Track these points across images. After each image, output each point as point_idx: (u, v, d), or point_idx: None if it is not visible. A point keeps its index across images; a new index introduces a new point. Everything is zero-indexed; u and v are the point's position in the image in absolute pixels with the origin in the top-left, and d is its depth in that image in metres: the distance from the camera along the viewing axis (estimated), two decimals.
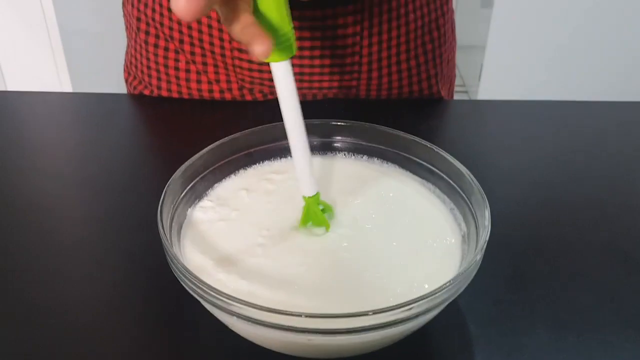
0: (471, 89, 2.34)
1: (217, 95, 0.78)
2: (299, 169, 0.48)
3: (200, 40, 0.74)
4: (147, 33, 0.77)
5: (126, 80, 0.86)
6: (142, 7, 0.76)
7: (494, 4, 1.97)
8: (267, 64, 0.76)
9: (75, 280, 0.52)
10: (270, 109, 0.77)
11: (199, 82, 0.78)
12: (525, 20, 1.99)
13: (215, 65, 0.76)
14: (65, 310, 0.49)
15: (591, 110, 0.80)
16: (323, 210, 0.50)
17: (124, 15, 0.83)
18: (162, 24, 0.75)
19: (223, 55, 0.74)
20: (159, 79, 0.79)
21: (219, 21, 0.71)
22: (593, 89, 2.08)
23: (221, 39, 0.73)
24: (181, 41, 0.75)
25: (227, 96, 0.78)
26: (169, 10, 0.73)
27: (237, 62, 0.74)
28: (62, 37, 1.81)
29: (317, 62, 0.73)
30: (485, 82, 2.16)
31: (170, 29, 0.75)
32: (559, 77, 2.10)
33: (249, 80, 0.76)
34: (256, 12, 0.42)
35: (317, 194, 0.49)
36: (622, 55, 2.03)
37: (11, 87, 1.89)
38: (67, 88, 1.90)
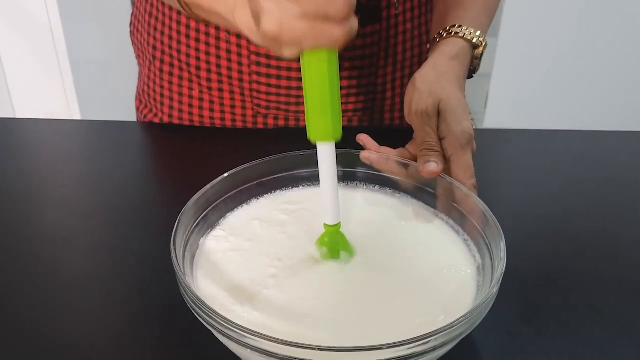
0: (477, 117, 2.35)
1: (228, 124, 0.79)
2: (327, 197, 0.48)
3: (218, 65, 0.74)
4: (162, 61, 0.78)
5: (137, 109, 0.86)
6: (158, 36, 0.77)
7: (500, 32, 1.99)
8: (285, 88, 0.76)
9: (85, 313, 0.51)
10: (282, 137, 0.78)
11: (211, 110, 0.78)
12: (530, 49, 2.00)
13: (231, 92, 0.76)
14: (76, 344, 0.48)
15: (603, 140, 0.80)
16: (342, 247, 0.50)
17: (134, 44, 0.83)
18: (179, 51, 0.76)
19: (241, 80, 0.75)
20: (171, 107, 0.80)
21: (238, 45, 0.72)
22: (600, 117, 2.08)
23: (240, 64, 0.73)
24: (198, 68, 0.76)
25: (239, 124, 0.79)
26: (187, 37, 0.74)
27: (254, 85, 0.74)
28: (72, 65, 1.83)
29: None
30: (491, 110, 2.16)
31: (188, 55, 0.75)
32: (565, 105, 2.10)
33: (265, 105, 0.76)
34: (313, 96, 0.43)
35: (339, 224, 0.49)
36: (630, 84, 2.04)
37: (20, 114, 1.91)
38: (76, 116, 1.91)
